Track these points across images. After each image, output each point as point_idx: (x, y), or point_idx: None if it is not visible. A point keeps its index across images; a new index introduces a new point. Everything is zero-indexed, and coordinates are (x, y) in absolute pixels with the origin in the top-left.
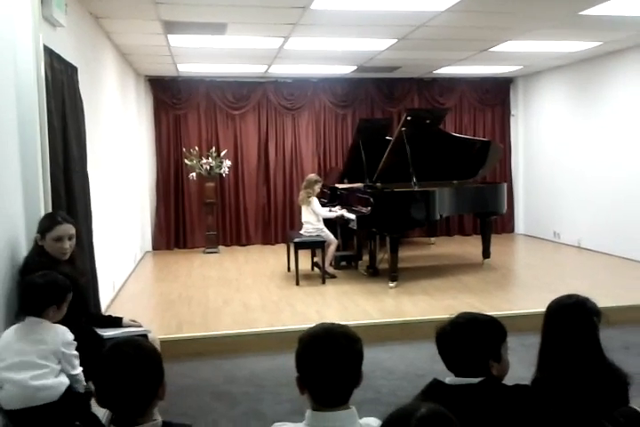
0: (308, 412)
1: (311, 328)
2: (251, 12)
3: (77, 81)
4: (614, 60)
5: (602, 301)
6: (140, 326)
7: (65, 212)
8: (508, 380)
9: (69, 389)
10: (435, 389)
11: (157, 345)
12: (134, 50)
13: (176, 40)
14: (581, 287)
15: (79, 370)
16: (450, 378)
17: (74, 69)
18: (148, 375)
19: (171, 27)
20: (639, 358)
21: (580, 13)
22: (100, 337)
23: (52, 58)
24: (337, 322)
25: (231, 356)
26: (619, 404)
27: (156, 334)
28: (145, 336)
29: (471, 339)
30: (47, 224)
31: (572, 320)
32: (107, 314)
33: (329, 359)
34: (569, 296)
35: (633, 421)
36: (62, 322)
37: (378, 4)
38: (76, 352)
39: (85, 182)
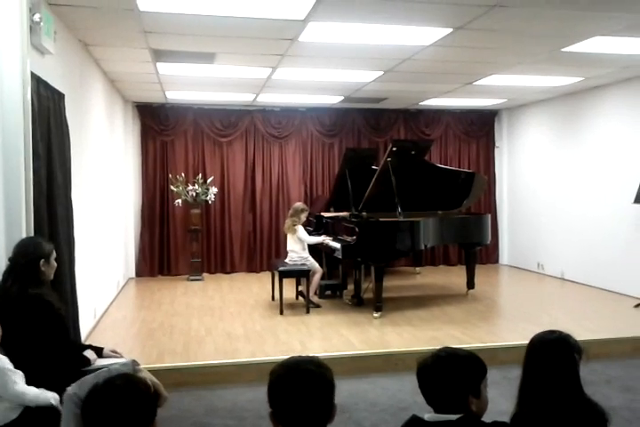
0: None
1: (281, 361)
2: (239, 43)
3: (64, 108)
4: (596, 95)
5: (584, 334)
6: (121, 357)
7: (48, 238)
8: (491, 413)
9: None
10: (414, 425)
11: None
12: (123, 77)
13: (165, 68)
14: (564, 320)
15: (19, 387)
16: (429, 415)
17: (60, 96)
18: (139, 415)
19: (160, 55)
20: (621, 392)
21: (563, 50)
22: (86, 358)
23: (38, 85)
24: (319, 353)
25: (212, 386)
26: None
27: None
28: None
29: (452, 374)
30: (49, 247)
31: (553, 356)
32: (87, 343)
33: (300, 389)
34: (551, 332)
35: None
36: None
37: (364, 38)
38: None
39: (69, 209)
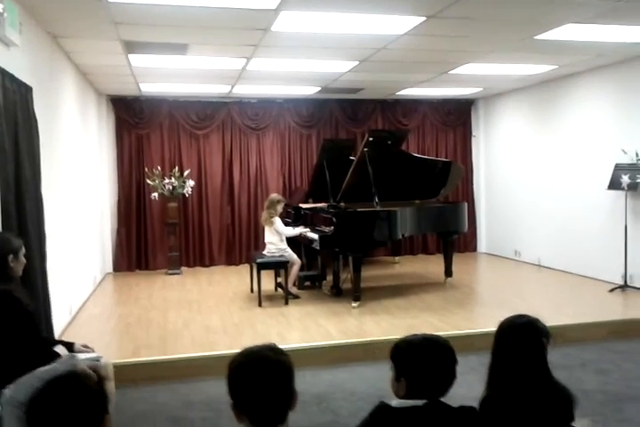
0: None
1: (240, 351)
2: (212, 34)
3: (32, 101)
4: (570, 83)
5: (560, 319)
6: (92, 352)
7: (16, 234)
8: (468, 398)
9: None
10: (382, 412)
11: (110, 371)
12: (95, 69)
13: (137, 60)
14: (540, 305)
15: None
16: (396, 401)
17: (28, 89)
18: (89, 414)
19: (131, 47)
20: (595, 375)
21: (535, 38)
22: (56, 354)
23: (4, 77)
24: (297, 344)
25: (189, 380)
26: (564, 423)
27: (112, 359)
28: (97, 362)
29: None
30: (18, 243)
31: (521, 340)
32: (61, 339)
33: (260, 376)
34: (520, 316)
35: None
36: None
37: (337, 27)
38: None
39: (39, 205)
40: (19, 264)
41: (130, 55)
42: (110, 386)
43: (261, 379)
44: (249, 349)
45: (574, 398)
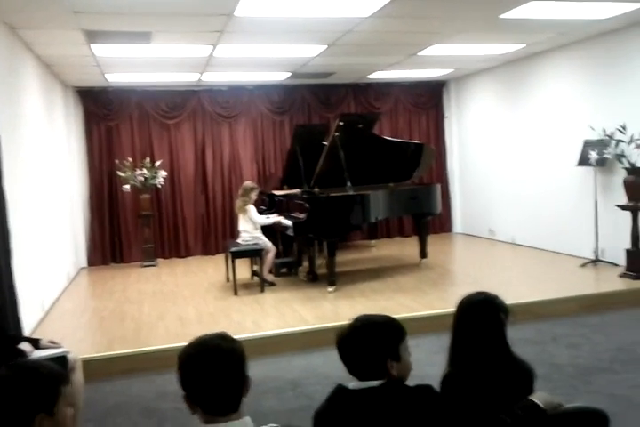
0: None
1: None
2: (174, 21)
3: None
4: (538, 61)
5: (532, 294)
6: (60, 348)
7: None
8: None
9: None
10: (339, 394)
11: (79, 366)
12: (58, 61)
13: (100, 50)
14: (514, 283)
15: None
16: (353, 383)
17: None
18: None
19: (93, 36)
20: (567, 349)
21: (500, 17)
22: (21, 351)
23: None
24: (272, 330)
25: (162, 371)
26: (523, 396)
27: (86, 353)
28: (64, 358)
29: (367, 340)
30: None
31: (480, 317)
32: (26, 336)
33: (211, 365)
34: (478, 293)
35: (530, 412)
36: None
37: (301, 11)
38: None
39: (2, 199)
40: None
41: (92, 45)
42: (77, 377)
43: (211, 368)
44: (197, 339)
45: (533, 372)
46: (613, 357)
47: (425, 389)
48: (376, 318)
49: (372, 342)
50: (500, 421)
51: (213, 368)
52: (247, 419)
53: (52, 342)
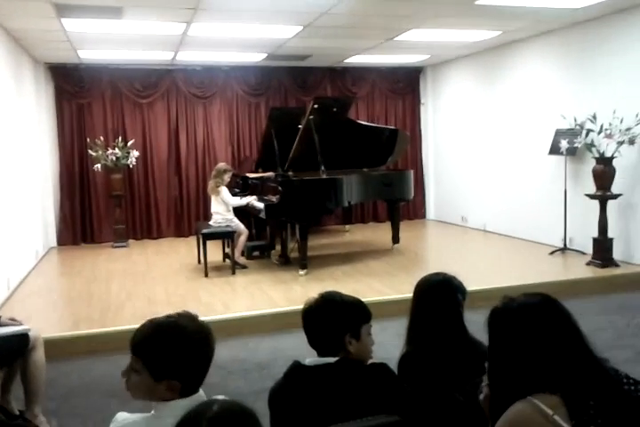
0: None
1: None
2: None
3: None
4: (514, 49)
5: (501, 281)
6: (20, 324)
7: None
8: None
9: None
10: (295, 371)
11: (40, 344)
12: (28, 34)
13: (71, 24)
14: (483, 269)
15: None
16: (309, 359)
17: None
18: None
19: (63, 10)
20: None
21: (476, 3)
22: None
23: None
24: (241, 312)
25: (127, 352)
26: (476, 376)
27: (50, 333)
28: (26, 335)
29: (330, 312)
30: None
31: (437, 297)
32: None
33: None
34: (436, 274)
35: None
36: None
37: None
38: None
39: None
40: None
41: (62, 19)
42: (39, 355)
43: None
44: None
45: (487, 354)
46: None
47: (380, 367)
48: (345, 296)
49: (334, 315)
50: (453, 399)
51: (173, 347)
52: (201, 392)
53: (12, 320)
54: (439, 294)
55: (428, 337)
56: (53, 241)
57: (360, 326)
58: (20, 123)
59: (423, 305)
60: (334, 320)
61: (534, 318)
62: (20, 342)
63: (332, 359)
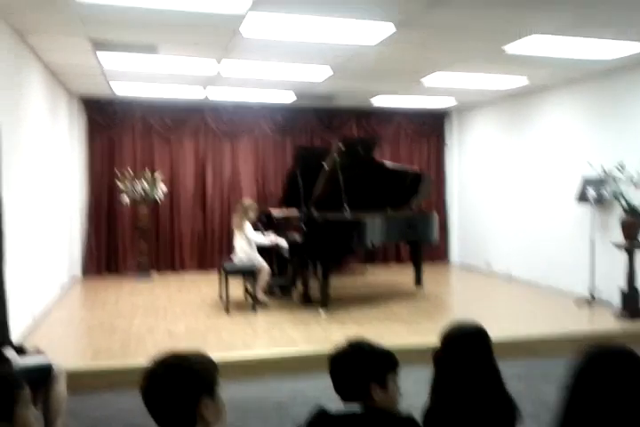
0: None
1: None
2: (180, 35)
3: None
4: (541, 96)
5: (525, 330)
6: (44, 355)
7: None
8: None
9: None
10: (320, 420)
11: (62, 376)
12: (65, 69)
13: (107, 59)
14: (507, 317)
15: None
16: (334, 406)
17: None
18: None
19: (100, 45)
20: (557, 387)
21: (504, 48)
22: (5, 357)
23: None
24: (261, 352)
25: None
26: None
27: (71, 363)
28: (49, 367)
29: (358, 358)
30: None
31: (471, 347)
32: (13, 342)
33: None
34: (466, 323)
35: None
36: None
37: (306, 32)
38: None
39: None
40: None
41: (99, 53)
42: (61, 387)
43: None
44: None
45: (518, 410)
46: None
47: (408, 422)
48: (375, 344)
49: (361, 363)
50: None
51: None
52: None
53: (37, 351)
54: (473, 345)
55: (457, 391)
56: (78, 271)
57: (386, 374)
58: (54, 154)
59: (454, 355)
60: (361, 368)
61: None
62: (44, 374)
63: (357, 408)
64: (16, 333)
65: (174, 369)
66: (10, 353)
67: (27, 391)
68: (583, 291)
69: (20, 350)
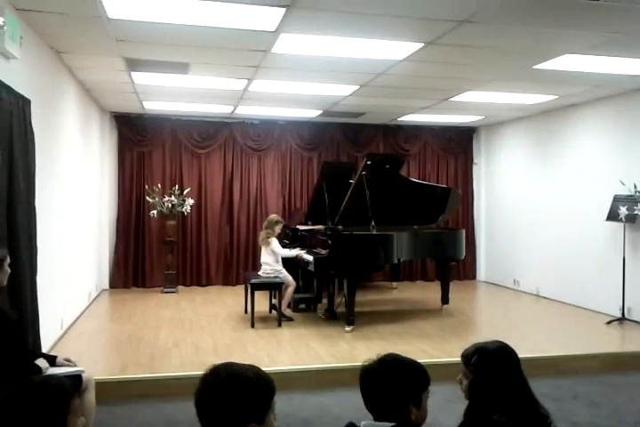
0: None
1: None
2: (213, 53)
3: (29, 113)
4: (571, 113)
5: (554, 349)
6: (75, 366)
7: (6, 244)
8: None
9: None
10: None
11: (92, 386)
12: (98, 86)
13: (140, 78)
14: (535, 336)
15: None
16: (365, 422)
17: (26, 101)
18: None
19: (133, 64)
20: (587, 407)
21: (534, 67)
22: (37, 366)
23: (0, 89)
24: (286, 366)
25: (174, 399)
26: None
27: (99, 375)
28: (79, 377)
29: (394, 378)
30: (2, 253)
31: (501, 366)
32: (43, 352)
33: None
34: (493, 342)
35: None
36: None
37: (336, 51)
38: None
39: (31, 217)
40: (3, 274)
41: (132, 73)
42: (90, 397)
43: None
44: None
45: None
46: (638, 420)
47: None
48: (407, 359)
49: (399, 382)
50: None
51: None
52: None
53: (67, 360)
54: (503, 364)
55: (491, 409)
56: (106, 283)
57: (422, 393)
58: (86, 168)
59: (487, 375)
60: (398, 387)
61: None
62: (73, 383)
63: (388, 425)
64: (46, 343)
65: (234, 386)
66: (41, 363)
67: (78, 401)
68: (614, 310)
69: (51, 360)
